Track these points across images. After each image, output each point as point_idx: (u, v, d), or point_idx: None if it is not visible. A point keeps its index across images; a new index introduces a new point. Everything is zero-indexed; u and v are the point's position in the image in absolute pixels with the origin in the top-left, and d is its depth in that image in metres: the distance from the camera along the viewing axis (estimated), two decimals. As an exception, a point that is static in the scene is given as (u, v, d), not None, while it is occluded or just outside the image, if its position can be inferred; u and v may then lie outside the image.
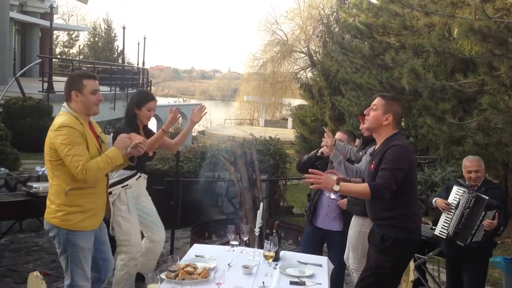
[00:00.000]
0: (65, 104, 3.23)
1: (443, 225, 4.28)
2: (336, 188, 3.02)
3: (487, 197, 4.07)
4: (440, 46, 7.45)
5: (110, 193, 3.84)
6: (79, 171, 3.00)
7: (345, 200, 4.36)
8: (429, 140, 9.62)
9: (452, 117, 7.64)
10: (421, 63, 8.36)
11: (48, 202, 3.19)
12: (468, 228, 4.11)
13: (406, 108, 10.16)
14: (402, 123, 11.52)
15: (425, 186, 9.00)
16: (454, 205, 4.24)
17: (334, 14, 22.95)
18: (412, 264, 3.38)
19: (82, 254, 3.18)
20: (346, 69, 12.93)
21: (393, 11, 8.83)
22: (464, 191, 4.22)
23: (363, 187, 3.07)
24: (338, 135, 4.53)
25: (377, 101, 3.25)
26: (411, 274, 3.31)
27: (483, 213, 4.03)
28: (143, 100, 4.08)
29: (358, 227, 4.27)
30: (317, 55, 25.62)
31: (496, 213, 4.00)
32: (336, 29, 21.23)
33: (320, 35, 24.94)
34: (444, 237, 4.26)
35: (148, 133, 4.24)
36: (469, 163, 4.29)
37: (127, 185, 3.98)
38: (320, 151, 4.39)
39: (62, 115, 3.17)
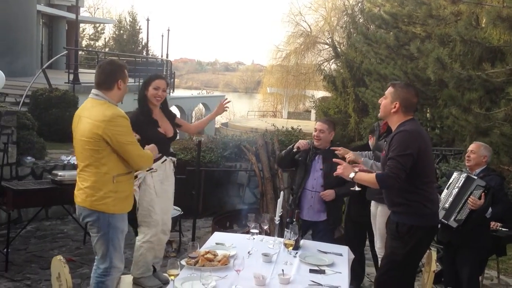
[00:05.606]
0: (99, 92, 3.25)
1: None
2: (352, 175, 3.17)
3: (476, 177, 4.09)
4: (467, 34, 7.27)
5: (136, 176, 3.90)
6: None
7: (328, 191, 4.39)
8: (455, 131, 9.43)
9: (478, 107, 7.46)
10: (447, 52, 8.15)
11: (90, 191, 3.22)
12: (454, 206, 4.10)
13: (432, 98, 9.98)
14: (428, 114, 11.32)
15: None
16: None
17: (359, 4, 22.58)
18: (434, 255, 3.33)
19: (121, 236, 3.36)
20: (370, 60, 12.74)
21: (419, 0, 8.67)
22: (458, 173, 4.27)
23: (372, 177, 3.08)
24: (318, 125, 4.53)
25: (388, 89, 3.29)
26: (433, 264, 3.25)
27: (469, 192, 4.02)
28: (149, 80, 4.15)
29: (386, 216, 4.24)
30: (341, 46, 25.27)
31: (483, 193, 3.97)
32: (361, 20, 20.90)
33: (344, 26, 24.61)
34: None
35: (169, 115, 4.32)
36: (471, 145, 4.40)
37: (152, 168, 4.00)
38: (296, 145, 4.57)
39: (107, 105, 3.22)
